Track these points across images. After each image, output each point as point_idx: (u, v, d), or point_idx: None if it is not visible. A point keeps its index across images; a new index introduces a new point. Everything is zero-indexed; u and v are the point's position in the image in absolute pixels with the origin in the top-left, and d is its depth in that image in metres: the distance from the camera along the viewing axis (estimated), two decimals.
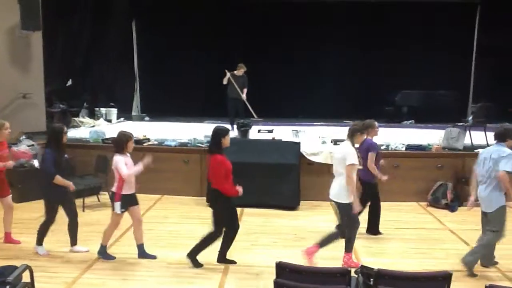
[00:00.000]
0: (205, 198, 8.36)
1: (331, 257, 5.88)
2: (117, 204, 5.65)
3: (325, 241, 5.72)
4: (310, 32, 13.75)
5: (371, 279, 3.79)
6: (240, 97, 10.94)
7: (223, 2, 13.90)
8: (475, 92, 13.84)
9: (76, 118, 11.91)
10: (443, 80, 13.70)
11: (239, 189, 5.62)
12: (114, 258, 5.86)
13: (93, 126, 11.49)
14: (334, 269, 3.93)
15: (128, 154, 5.79)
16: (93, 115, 12.70)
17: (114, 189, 5.72)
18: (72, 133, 10.57)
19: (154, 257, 5.89)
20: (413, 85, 13.58)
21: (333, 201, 5.78)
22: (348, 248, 5.74)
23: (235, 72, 10.93)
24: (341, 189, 5.60)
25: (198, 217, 7.55)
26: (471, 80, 14.07)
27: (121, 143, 5.72)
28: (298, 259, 5.52)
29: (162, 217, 7.58)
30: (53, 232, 6.33)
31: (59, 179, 5.83)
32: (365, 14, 13.76)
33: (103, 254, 5.89)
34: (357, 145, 5.95)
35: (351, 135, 5.74)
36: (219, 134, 5.65)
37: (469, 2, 13.71)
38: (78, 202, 7.93)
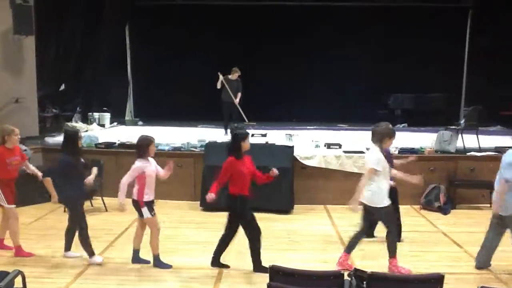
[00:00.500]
0: (198, 202, 8.39)
1: (324, 260, 5.89)
2: (145, 210, 5.61)
3: (351, 246, 5.71)
4: (303, 36, 13.81)
5: (364, 282, 3.80)
6: (233, 101, 10.95)
7: (216, 6, 13.93)
8: (467, 95, 13.95)
9: (69, 123, 11.87)
10: (436, 84, 13.80)
11: (209, 196, 5.58)
12: (170, 266, 5.72)
13: (86, 131, 11.44)
14: (327, 272, 3.93)
15: (149, 159, 5.74)
16: (86, 119, 12.66)
17: (135, 196, 5.64)
18: None
19: (169, 267, 5.73)
20: (406, 88, 13.67)
21: (367, 205, 5.67)
22: (393, 252, 5.61)
23: (229, 76, 10.93)
24: (373, 194, 5.55)
25: (192, 221, 7.55)
26: (463, 83, 14.19)
27: (142, 147, 5.69)
28: (292, 262, 5.52)
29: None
30: (44, 237, 6.31)
31: (48, 183, 5.84)
32: (357, 18, 13.83)
33: (159, 263, 5.74)
34: None
35: (380, 140, 5.63)
36: (239, 138, 5.69)
37: (460, 6, 13.83)
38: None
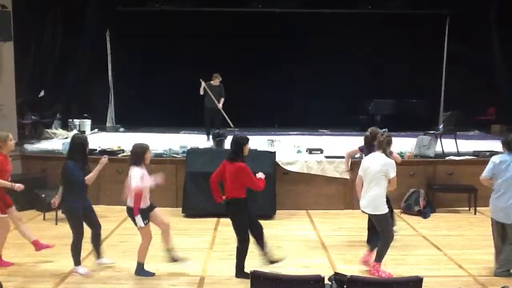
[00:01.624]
0: (180, 209, 8.36)
1: (305, 265, 5.92)
2: (138, 218, 5.52)
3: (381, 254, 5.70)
4: (285, 42, 13.90)
5: (344, 286, 3.84)
6: (217, 107, 10.96)
7: (197, 13, 13.93)
8: (446, 101, 14.17)
9: (48, 130, 11.74)
10: (415, 89, 13.99)
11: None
12: (153, 274, 5.67)
13: (66, 138, 11.31)
14: (307, 277, 3.95)
15: (144, 166, 5.68)
16: (66, 126, 12.51)
17: (130, 203, 5.55)
18: (45, 145, 10.43)
19: (152, 274, 5.68)
20: (386, 94, 13.83)
21: (367, 213, 5.78)
22: (380, 258, 5.66)
23: (211, 82, 10.95)
24: (375, 200, 5.63)
25: (174, 228, 7.44)
26: (442, 89, 14.42)
27: (138, 155, 5.65)
28: (274, 267, 5.54)
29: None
30: (23, 246, 6.22)
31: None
32: (338, 24, 13.97)
33: (141, 271, 5.68)
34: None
35: (386, 146, 5.81)
36: (240, 143, 5.75)
37: (439, 14, 14.07)
38: (50, 215, 7.86)
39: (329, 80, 14.06)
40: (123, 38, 14.34)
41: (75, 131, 12.22)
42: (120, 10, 13.97)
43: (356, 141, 10.31)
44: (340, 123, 13.40)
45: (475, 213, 8.51)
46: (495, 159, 5.73)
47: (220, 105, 10.98)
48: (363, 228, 7.29)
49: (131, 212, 5.58)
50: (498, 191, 5.66)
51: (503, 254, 5.69)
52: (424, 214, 8.40)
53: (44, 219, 7.98)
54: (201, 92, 10.91)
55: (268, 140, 9.76)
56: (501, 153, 5.91)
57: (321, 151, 9.18)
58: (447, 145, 9.53)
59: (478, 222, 8.00)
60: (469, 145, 10.11)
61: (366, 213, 5.85)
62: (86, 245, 6.46)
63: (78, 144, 5.92)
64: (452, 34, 14.06)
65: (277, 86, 14.33)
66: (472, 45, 13.06)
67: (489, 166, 5.72)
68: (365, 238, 7.07)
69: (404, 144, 9.88)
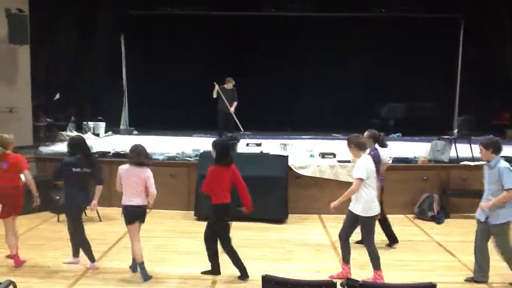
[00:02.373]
0: (193, 212, 8.37)
1: (317, 270, 5.89)
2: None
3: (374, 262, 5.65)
4: (298, 46, 13.91)
5: None
6: (229, 110, 10.99)
7: (210, 16, 14.00)
8: (460, 105, 14.03)
9: (63, 132, 11.85)
10: (429, 93, 13.90)
11: None
12: (150, 277, 5.65)
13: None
14: (320, 282, 3.93)
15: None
16: (80, 129, 12.64)
17: (143, 202, 5.71)
18: (59, 147, 10.52)
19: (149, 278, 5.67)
20: (400, 98, 13.74)
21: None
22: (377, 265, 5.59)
23: (224, 85, 10.99)
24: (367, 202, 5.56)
25: (185, 231, 7.52)
26: (456, 93, 14.28)
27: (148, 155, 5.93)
28: (285, 272, 5.52)
29: (149, 231, 7.52)
30: (38, 247, 6.29)
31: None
32: (352, 28, 13.93)
33: (135, 268, 5.81)
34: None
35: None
36: (229, 146, 5.89)
37: (453, 17, 13.96)
38: (64, 217, 7.91)
39: (342, 83, 14.02)
40: (136, 42, 14.47)
41: (89, 134, 12.36)
42: (133, 14, 14.09)
43: None
44: (353, 127, 13.25)
45: None
46: (509, 166, 5.43)
47: (232, 109, 11.00)
48: (375, 233, 7.25)
49: (144, 210, 5.71)
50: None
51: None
52: (438, 219, 8.31)
53: (58, 220, 8.05)
54: (214, 95, 10.95)
55: (281, 144, 9.75)
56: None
57: (334, 155, 9.14)
58: (462, 150, 9.43)
59: None
60: None
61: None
62: (100, 247, 6.53)
63: (74, 145, 6.07)
64: (467, 38, 13.93)
65: (289, 90, 14.32)
66: (486, 49, 12.93)
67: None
68: (376, 243, 7.03)
69: (418, 149, 9.80)
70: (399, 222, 8.24)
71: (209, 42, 13.97)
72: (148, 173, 5.68)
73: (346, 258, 5.75)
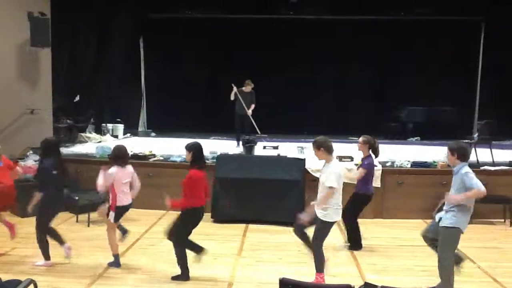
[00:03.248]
0: (209, 214, 8.40)
1: (333, 274, 5.85)
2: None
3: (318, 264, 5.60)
4: (316, 48, 13.87)
5: None
6: (247, 113, 10.96)
7: (228, 20, 14.06)
8: (480, 109, 13.84)
9: (82, 134, 12.01)
10: (449, 97, 13.73)
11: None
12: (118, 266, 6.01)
13: (100, 142, 11.57)
14: (337, 286, 3.90)
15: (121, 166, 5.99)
16: (99, 130, 12.80)
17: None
18: (79, 149, 10.68)
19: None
20: (419, 101, 13.61)
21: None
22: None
23: (243, 88, 10.97)
24: (329, 209, 5.51)
25: (202, 233, 7.48)
26: (476, 97, 14.09)
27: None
28: (301, 275, 5.50)
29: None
30: (57, 246, 6.37)
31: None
32: (371, 31, 13.86)
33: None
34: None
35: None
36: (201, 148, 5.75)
37: (473, 20, 13.78)
38: (83, 217, 8.03)
39: (360, 86, 13.95)
40: (155, 45, 14.61)
41: (108, 135, 12.51)
42: (153, 18, 14.23)
43: (387, 149, 10.22)
44: (371, 131, 13.16)
45: (510, 225, 8.27)
46: (471, 172, 5.23)
47: (250, 112, 10.99)
48: (392, 238, 7.21)
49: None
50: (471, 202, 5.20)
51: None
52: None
53: (77, 221, 8.15)
54: (232, 98, 10.94)
55: (298, 147, 9.74)
56: None
57: (351, 158, 9.09)
58: (482, 154, 9.29)
59: None
60: (504, 155, 9.82)
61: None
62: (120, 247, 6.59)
63: (48, 146, 6.11)
64: (487, 41, 13.74)
65: (307, 93, 14.29)
66: (507, 52, 12.72)
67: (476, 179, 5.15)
68: (394, 248, 6.99)
69: (437, 153, 9.68)
70: (417, 227, 8.09)
71: (227, 45, 14.03)
72: (131, 169, 6.06)
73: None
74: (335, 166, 5.59)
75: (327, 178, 5.47)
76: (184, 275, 5.69)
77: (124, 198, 5.94)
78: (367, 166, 6.88)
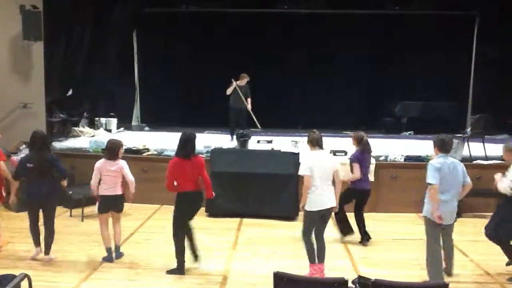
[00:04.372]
0: (204, 208, 8.39)
1: (328, 268, 5.89)
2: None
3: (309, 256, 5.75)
4: (309, 42, 13.84)
5: None
6: (244, 107, 10.92)
7: (223, 13, 14.00)
8: (474, 104, 13.88)
9: (76, 128, 11.94)
10: (442, 92, 13.76)
11: None
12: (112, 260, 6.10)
13: (93, 136, 11.51)
14: (331, 279, 3.92)
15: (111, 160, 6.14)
16: (93, 124, 12.73)
17: (119, 191, 6.13)
18: (72, 143, 10.62)
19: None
20: (413, 96, 13.64)
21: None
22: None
23: (237, 82, 10.92)
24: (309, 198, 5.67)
25: (196, 227, 7.51)
26: (470, 91, 14.13)
27: (115, 150, 6.17)
28: (296, 269, 5.52)
29: (161, 227, 7.58)
30: (54, 241, 6.37)
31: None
32: (366, 25, 13.85)
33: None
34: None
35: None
36: (194, 137, 5.91)
37: (468, 14, 13.81)
38: (77, 211, 8.01)
39: (354, 81, 13.94)
40: (149, 39, 14.51)
41: (101, 130, 12.45)
42: (147, 12, 14.14)
43: (380, 143, 10.26)
44: (365, 125, 13.28)
45: None
46: (435, 163, 5.44)
47: (249, 106, 10.95)
48: (387, 231, 7.26)
49: (122, 199, 6.16)
50: (445, 193, 5.38)
51: (452, 258, 5.76)
52: None
53: (70, 215, 8.14)
54: (228, 92, 10.86)
55: (292, 141, 9.73)
56: None
57: (345, 153, 9.10)
58: (475, 148, 9.34)
59: None
60: (497, 149, 9.85)
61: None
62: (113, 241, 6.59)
63: (38, 139, 6.16)
64: (481, 35, 13.75)
65: (301, 87, 14.27)
66: (501, 46, 12.76)
67: (434, 172, 5.35)
68: (389, 242, 7.03)
69: (431, 147, 9.69)
70: (411, 221, 8.21)
71: (221, 39, 13.96)
72: (122, 164, 6.14)
73: (316, 257, 5.73)
74: (309, 156, 5.83)
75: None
76: (179, 269, 5.72)
77: (109, 189, 6.05)
78: (351, 157, 7.06)
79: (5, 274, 4.16)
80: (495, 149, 9.67)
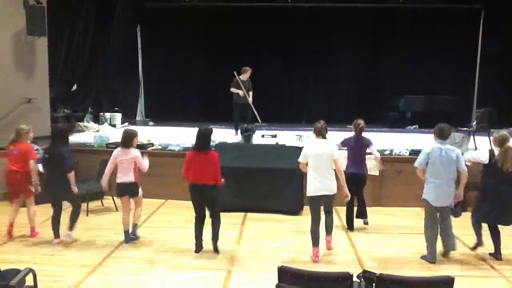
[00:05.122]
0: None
1: (333, 262, 5.88)
2: (140, 189, 6.64)
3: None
4: (314, 37, 13.79)
5: (373, 284, 3.79)
6: (247, 102, 10.81)
7: (226, 7, 13.96)
8: (479, 97, 13.81)
9: (80, 123, 11.96)
10: (448, 85, 13.69)
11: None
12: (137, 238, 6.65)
13: (98, 131, 11.53)
14: (336, 274, 3.91)
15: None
16: (97, 120, 12.75)
17: (132, 179, 6.48)
18: (77, 138, 10.64)
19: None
20: (417, 90, 13.57)
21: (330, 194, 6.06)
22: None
23: (240, 76, 10.81)
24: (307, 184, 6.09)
25: None
26: (475, 85, 14.06)
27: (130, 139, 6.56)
28: (300, 263, 5.52)
29: (165, 221, 7.60)
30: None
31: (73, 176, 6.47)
32: (369, 19, 13.78)
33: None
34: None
35: (325, 132, 6.26)
36: (209, 133, 6.29)
37: (473, 8, 13.70)
38: (82, 206, 8.02)
39: (359, 75, 13.89)
40: (153, 34, 14.52)
41: (105, 125, 12.46)
42: (150, 6, 14.12)
43: (385, 137, 10.23)
44: (369, 119, 13.20)
45: None
46: (426, 149, 6.00)
47: (250, 99, 10.86)
48: (391, 225, 7.24)
49: (135, 186, 6.49)
50: (437, 178, 5.89)
51: (450, 235, 6.10)
52: (455, 212, 8.15)
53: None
54: (235, 90, 10.65)
55: (296, 135, 9.70)
56: None
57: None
58: (480, 142, 9.29)
59: None
60: None
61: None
62: (116, 236, 6.61)
63: (64, 132, 6.74)
64: (487, 29, 13.66)
65: (306, 81, 14.24)
66: (507, 40, 12.67)
67: (422, 157, 5.99)
68: (393, 236, 7.01)
69: None
70: (416, 215, 8.16)
71: (225, 34, 13.93)
72: (135, 153, 6.50)
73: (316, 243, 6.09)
74: (308, 144, 6.28)
75: None
76: (196, 246, 6.24)
77: (123, 176, 6.42)
78: (347, 142, 7.38)
79: (9, 269, 4.17)
80: None
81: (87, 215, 7.88)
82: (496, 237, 6.19)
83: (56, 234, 6.49)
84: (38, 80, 10.15)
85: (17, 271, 4.04)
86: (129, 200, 6.53)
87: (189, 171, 6.08)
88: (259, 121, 11.24)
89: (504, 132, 6.21)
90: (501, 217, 6.07)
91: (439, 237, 6.10)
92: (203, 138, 6.15)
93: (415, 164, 6.04)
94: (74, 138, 10.63)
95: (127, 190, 6.47)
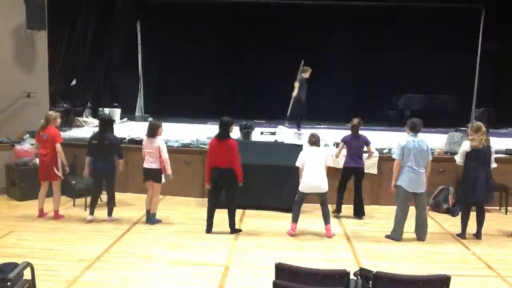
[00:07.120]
0: (206, 199, 8.39)
1: (329, 259, 5.89)
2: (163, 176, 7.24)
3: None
4: (313, 34, 13.78)
5: (370, 282, 3.80)
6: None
7: (227, 4, 13.94)
8: (478, 97, 13.83)
9: (79, 118, 11.94)
10: (447, 85, 13.70)
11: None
12: (160, 221, 7.31)
13: (96, 126, 11.51)
14: (333, 271, 3.92)
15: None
16: (96, 114, 12.73)
17: (157, 165, 7.12)
18: (76, 133, 10.63)
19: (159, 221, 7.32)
20: (417, 89, 13.58)
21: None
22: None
23: (303, 74, 11.04)
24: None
25: (200, 217, 7.55)
26: (474, 85, 14.06)
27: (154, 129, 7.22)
28: (298, 261, 5.53)
29: (164, 217, 7.60)
30: (54, 230, 6.39)
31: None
32: (369, 17, 13.77)
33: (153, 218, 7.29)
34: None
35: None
36: (229, 123, 6.90)
37: (473, 7, 13.70)
38: (80, 201, 8.04)
39: (358, 74, 13.89)
40: (153, 29, 14.50)
41: None
42: (151, 2, 14.09)
43: (384, 136, 10.24)
44: (369, 118, 13.23)
45: (506, 213, 8.33)
46: (401, 142, 6.76)
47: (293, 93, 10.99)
48: (389, 224, 7.23)
49: (159, 172, 7.13)
50: (411, 166, 6.63)
51: (424, 228, 6.80)
52: (453, 212, 8.24)
53: (74, 205, 8.16)
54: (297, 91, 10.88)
55: (296, 133, 9.72)
56: None
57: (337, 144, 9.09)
58: None
59: (508, 222, 7.84)
60: (501, 143, 9.83)
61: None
62: (115, 231, 6.60)
63: (109, 122, 7.70)
64: (487, 29, 13.66)
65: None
66: (507, 40, 12.68)
67: (398, 149, 6.75)
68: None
69: (435, 141, 9.69)
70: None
71: (225, 29, 13.92)
72: (159, 144, 7.12)
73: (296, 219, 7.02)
74: (305, 152, 7.17)
75: None
76: (207, 226, 6.92)
77: (146, 164, 7.16)
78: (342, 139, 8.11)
79: (7, 263, 4.17)
80: (499, 143, 9.62)
81: (85, 209, 7.87)
82: (480, 217, 6.91)
83: (92, 212, 7.27)
84: (37, 74, 10.12)
85: (15, 265, 4.04)
86: (152, 184, 7.16)
87: (211, 157, 6.82)
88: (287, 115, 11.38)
89: (479, 122, 7.09)
90: (472, 194, 6.76)
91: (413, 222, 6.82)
92: (222, 128, 6.83)
93: (394, 156, 6.81)
94: (73, 133, 10.63)
95: (151, 176, 7.13)
